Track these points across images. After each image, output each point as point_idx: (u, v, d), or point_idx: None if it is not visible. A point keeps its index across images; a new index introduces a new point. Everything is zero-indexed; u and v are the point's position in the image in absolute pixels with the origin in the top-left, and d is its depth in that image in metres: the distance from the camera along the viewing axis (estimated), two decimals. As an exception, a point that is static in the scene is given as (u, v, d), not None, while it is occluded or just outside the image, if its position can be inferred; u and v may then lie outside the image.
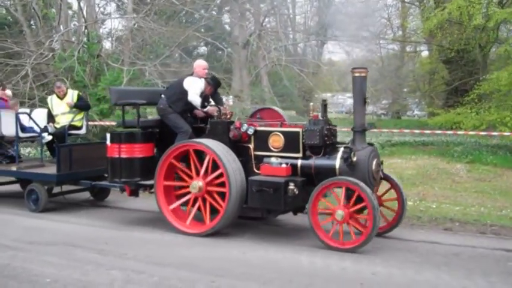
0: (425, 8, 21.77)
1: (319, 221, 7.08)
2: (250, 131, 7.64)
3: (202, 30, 21.78)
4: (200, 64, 9.09)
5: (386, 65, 35.79)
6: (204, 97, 8.80)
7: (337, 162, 7.23)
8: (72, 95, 10.61)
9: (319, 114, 7.52)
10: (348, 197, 6.93)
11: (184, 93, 8.48)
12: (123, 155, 8.25)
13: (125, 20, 20.05)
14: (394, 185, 7.74)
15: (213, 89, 8.92)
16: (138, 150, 8.29)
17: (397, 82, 32.08)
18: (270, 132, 7.60)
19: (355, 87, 7.43)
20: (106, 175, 9.32)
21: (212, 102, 8.90)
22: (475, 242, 7.47)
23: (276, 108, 8.85)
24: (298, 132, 7.44)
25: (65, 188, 10.05)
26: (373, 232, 6.73)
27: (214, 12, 23.88)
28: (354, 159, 7.10)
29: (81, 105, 10.66)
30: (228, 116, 8.14)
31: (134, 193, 8.54)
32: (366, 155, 7.20)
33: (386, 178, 7.76)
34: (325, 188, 7.01)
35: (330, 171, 7.23)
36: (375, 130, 19.17)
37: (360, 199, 6.82)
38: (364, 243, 6.80)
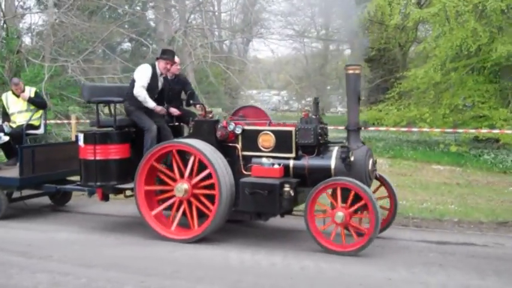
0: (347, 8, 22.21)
1: (317, 224, 6.73)
2: (238, 130, 7.20)
3: (127, 26, 21.36)
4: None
5: (311, 63, 36.38)
6: (173, 94, 8.52)
7: (333, 162, 6.90)
8: (30, 92, 9.81)
9: (310, 113, 7.19)
10: (343, 198, 6.64)
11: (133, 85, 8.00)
12: (99, 157, 7.66)
13: (46, 14, 19.46)
14: (384, 183, 7.48)
15: (182, 84, 8.67)
16: (114, 152, 7.72)
17: (321, 80, 32.69)
18: (260, 131, 7.18)
19: (348, 84, 7.16)
20: (68, 178, 8.94)
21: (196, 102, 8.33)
22: (398, 234, 7.70)
23: (259, 106, 8.51)
24: (290, 132, 7.03)
25: (25, 192, 9.31)
26: (375, 233, 6.46)
27: (138, 8, 23.56)
28: (352, 158, 6.82)
29: (37, 102, 9.82)
30: (210, 116, 7.60)
31: (105, 197, 7.97)
32: (363, 155, 6.94)
33: (377, 176, 7.48)
34: (324, 189, 6.68)
35: (324, 172, 6.89)
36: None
37: (355, 199, 6.57)
38: (367, 245, 6.50)
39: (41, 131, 9.97)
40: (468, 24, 15.17)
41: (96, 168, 7.70)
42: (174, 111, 8.54)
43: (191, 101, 8.27)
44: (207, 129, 7.39)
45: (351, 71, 7.15)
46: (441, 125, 15.39)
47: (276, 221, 7.85)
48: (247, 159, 7.23)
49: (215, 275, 5.95)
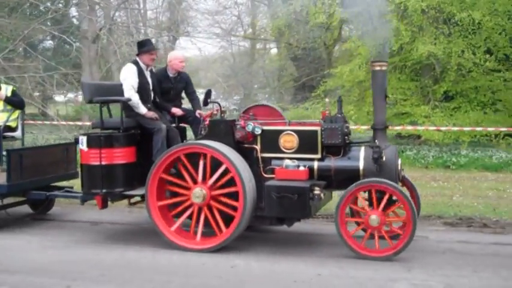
0: (273, 6, 22.49)
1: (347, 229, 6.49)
2: (258, 131, 6.80)
3: (49, 23, 20.73)
4: (176, 56, 8.23)
5: (238, 62, 36.43)
6: (175, 93, 8.22)
7: (361, 163, 6.62)
8: (6, 91, 8.94)
9: (328, 112, 6.87)
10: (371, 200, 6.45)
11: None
12: (105, 162, 7.07)
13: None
14: (406, 184, 7.27)
15: (184, 82, 8.30)
16: (121, 156, 7.16)
17: (248, 78, 32.78)
18: (281, 131, 6.80)
19: (375, 81, 6.88)
20: (54, 184, 8.45)
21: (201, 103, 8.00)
22: (325, 229, 7.79)
23: (272, 105, 8.05)
24: (316, 131, 6.66)
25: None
26: (412, 236, 6.25)
27: (61, 5, 22.89)
28: (383, 159, 6.54)
29: (15, 102, 8.95)
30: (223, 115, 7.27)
31: (105, 205, 7.36)
32: (393, 154, 6.68)
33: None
34: (357, 191, 6.39)
35: (352, 173, 6.61)
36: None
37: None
38: (403, 249, 6.29)
39: (18, 133, 9.16)
40: (391, 24, 15.57)
41: (102, 174, 7.10)
42: (177, 111, 8.12)
43: (209, 100, 7.41)
44: (224, 130, 6.92)
45: (377, 68, 6.83)
46: (366, 122, 15.74)
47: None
48: (267, 161, 6.86)
49: (143, 276, 5.88)
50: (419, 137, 16.45)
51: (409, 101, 16.43)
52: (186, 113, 8.14)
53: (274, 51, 33.44)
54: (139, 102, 7.49)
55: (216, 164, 6.71)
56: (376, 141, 6.72)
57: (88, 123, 16.98)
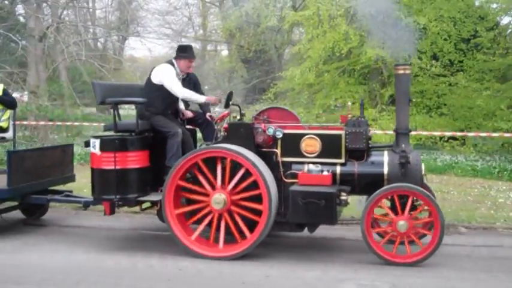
0: (224, 8, 22.51)
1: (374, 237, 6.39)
2: (279, 135, 6.60)
3: (-7, 20, 20.17)
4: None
5: (188, 63, 36.25)
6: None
7: (385, 167, 6.52)
8: None
9: (350, 115, 6.70)
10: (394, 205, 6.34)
11: (157, 89, 7.20)
12: (119, 166, 6.73)
13: None
14: (426, 189, 6.81)
15: (193, 84, 8.04)
16: (136, 160, 6.84)
17: (199, 79, 32.70)
18: (303, 135, 6.63)
19: (399, 85, 6.78)
20: (52, 188, 8.10)
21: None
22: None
23: (285, 108, 7.87)
24: (340, 135, 6.52)
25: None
26: (441, 239, 6.17)
27: (7, 2, 22.28)
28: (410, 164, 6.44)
29: (6, 101, 8.49)
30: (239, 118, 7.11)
31: (113, 211, 6.97)
32: (417, 159, 6.57)
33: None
34: (383, 196, 6.29)
35: (377, 178, 6.51)
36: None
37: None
38: (431, 254, 6.23)
39: (9, 134, 8.70)
40: (340, 28, 15.79)
41: (116, 179, 6.74)
42: (187, 113, 7.84)
43: (230, 102, 7.07)
44: (244, 134, 6.69)
45: (401, 71, 6.72)
46: (315, 124, 15.89)
47: (154, 223, 7.75)
48: (287, 166, 6.69)
49: (90, 279, 5.79)
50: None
51: (357, 104, 16.65)
52: (196, 115, 7.85)
53: (225, 53, 33.49)
54: (192, 92, 7.33)
55: (235, 168, 6.52)
56: (403, 145, 6.62)
57: (33, 123, 16.63)
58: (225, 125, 6.92)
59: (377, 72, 17.54)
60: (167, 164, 6.90)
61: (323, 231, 7.29)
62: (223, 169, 6.59)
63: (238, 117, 7.07)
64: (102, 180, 6.87)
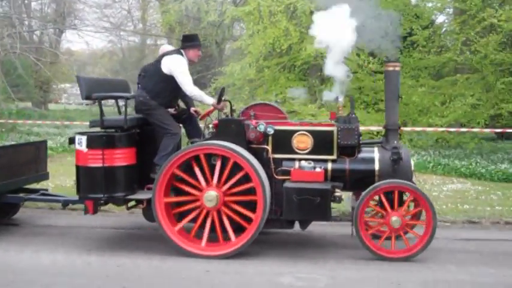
0: (164, 2, 22.26)
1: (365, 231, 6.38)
2: (270, 131, 6.50)
3: None
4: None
5: (128, 57, 35.78)
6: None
7: (376, 164, 6.55)
8: None
9: (337, 111, 6.77)
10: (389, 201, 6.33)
11: (166, 79, 6.85)
12: (108, 164, 6.49)
13: None
14: None
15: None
16: (124, 157, 6.58)
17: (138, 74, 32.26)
18: (295, 131, 6.58)
19: (388, 82, 6.83)
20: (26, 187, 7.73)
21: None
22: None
23: (271, 103, 7.62)
24: (332, 132, 6.54)
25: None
26: (432, 238, 6.26)
27: None
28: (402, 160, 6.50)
29: None
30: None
31: (96, 210, 6.75)
32: (408, 155, 6.64)
33: None
34: (376, 192, 6.29)
35: (368, 175, 6.54)
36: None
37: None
38: (422, 250, 6.29)
39: None
40: (280, 24, 15.87)
41: (105, 177, 6.51)
42: (170, 110, 7.37)
43: (223, 98, 6.91)
44: (235, 130, 6.54)
45: (390, 68, 6.81)
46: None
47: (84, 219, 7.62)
48: (278, 163, 6.59)
49: (26, 278, 5.64)
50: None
51: (297, 100, 16.80)
52: (180, 111, 7.49)
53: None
54: (202, 92, 7.02)
55: (226, 165, 6.39)
56: (394, 142, 6.68)
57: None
58: (215, 121, 6.75)
59: (316, 68, 17.73)
60: (156, 162, 6.72)
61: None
62: (222, 167, 6.42)
63: (227, 113, 6.94)
64: (88, 179, 6.62)
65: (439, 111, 15.11)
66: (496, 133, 18.78)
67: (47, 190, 7.99)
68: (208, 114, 7.07)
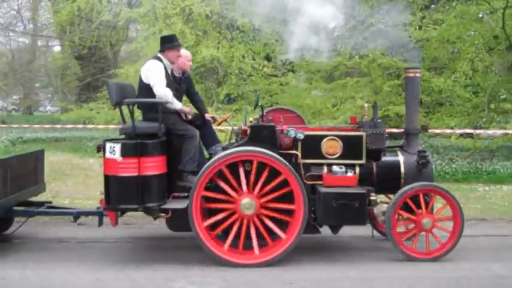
0: (55, 1, 21.54)
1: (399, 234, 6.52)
2: (300, 136, 6.44)
3: None
4: (185, 54, 7.15)
5: (17, 59, 34.27)
6: (179, 94, 7.07)
7: (402, 167, 6.77)
8: None
9: (362, 117, 6.89)
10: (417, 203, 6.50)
11: (146, 87, 6.65)
12: (145, 173, 6.19)
13: None
14: None
15: (188, 83, 7.29)
16: (159, 165, 6.33)
17: (28, 76, 31.00)
18: (324, 136, 6.55)
19: (409, 88, 7.09)
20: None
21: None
22: (108, 233, 7.62)
23: (289, 108, 7.62)
24: (361, 136, 6.56)
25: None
26: (460, 236, 6.47)
27: None
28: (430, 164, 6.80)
29: None
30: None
31: (117, 221, 6.50)
32: (430, 159, 6.89)
33: None
34: (409, 195, 6.43)
35: (394, 178, 6.75)
36: (4, 125, 18.20)
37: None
38: (451, 249, 6.49)
39: None
40: (176, 27, 15.78)
41: (141, 187, 6.19)
42: (188, 110, 7.12)
43: (259, 103, 6.96)
44: (267, 136, 6.47)
45: (411, 74, 7.02)
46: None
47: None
48: (307, 168, 6.52)
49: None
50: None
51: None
52: (194, 117, 7.22)
53: (57, 49, 32.09)
54: (173, 98, 6.72)
55: (261, 171, 6.28)
56: (420, 146, 7.00)
57: None
58: (244, 127, 6.75)
59: (213, 71, 17.79)
60: (182, 169, 6.58)
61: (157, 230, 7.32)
62: (247, 173, 6.35)
63: (258, 118, 6.86)
64: (122, 189, 6.28)
65: (331, 113, 15.57)
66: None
67: (51, 203, 7.54)
68: (225, 120, 7.20)
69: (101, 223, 6.76)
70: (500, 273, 6.13)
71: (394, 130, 13.01)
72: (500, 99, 15.35)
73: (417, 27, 15.45)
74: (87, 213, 7.08)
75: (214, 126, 7.45)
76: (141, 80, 6.79)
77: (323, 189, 6.32)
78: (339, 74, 18.03)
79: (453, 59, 15.58)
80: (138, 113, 6.93)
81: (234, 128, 7.28)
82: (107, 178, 6.33)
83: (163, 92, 6.59)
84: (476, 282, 5.86)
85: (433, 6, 17.59)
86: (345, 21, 19.37)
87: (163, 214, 6.52)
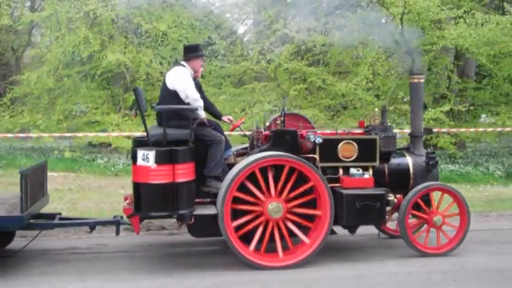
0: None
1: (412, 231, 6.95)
2: (319, 140, 6.58)
3: None
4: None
5: None
6: None
7: (411, 168, 7.15)
8: None
9: (373, 120, 7.29)
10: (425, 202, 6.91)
11: (174, 94, 6.67)
12: (180, 179, 6.21)
13: None
14: None
15: (199, 89, 7.05)
16: (190, 172, 6.36)
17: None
18: (340, 140, 6.80)
19: (414, 93, 7.49)
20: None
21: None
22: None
23: (298, 113, 7.89)
24: (375, 140, 6.90)
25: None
26: (467, 232, 6.90)
27: None
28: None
29: None
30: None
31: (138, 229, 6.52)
32: (438, 160, 7.40)
33: None
34: (421, 194, 6.81)
35: (404, 178, 7.13)
36: None
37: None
38: (458, 245, 6.91)
39: None
40: (80, 31, 15.42)
41: (175, 194, 6.19)
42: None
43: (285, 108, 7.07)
44: (290, 140, 6.66)
45: (416, 80, 7.42)
46: (55, 131, 15.28)
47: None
48: (324, 171, 6.71)
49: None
50: (110, 144, 16.54)
51: (100, 110, 16.43)
52: (208, 122, 7.15)
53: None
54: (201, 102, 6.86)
55: (290, 176, 6.45)
56: (428, 149, 7.49)
57: None
58: (266, 132, 6.93)
59: (120, 77, 17.50)
60: (208, 174, 6.64)
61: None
62: (276, 177, 6.49)
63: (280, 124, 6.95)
64: (155, 196, 6.26)
65: (239, 117, 15.64)
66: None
67: (60, 214, 7.30)
68: (238, 125, 7.35)
69: (117, 232, 6.72)
70: None
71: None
72: (404, 101, 15.96)
73: (321, 32, 15.83)
74: (104, 223, 7.09)
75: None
76: (165, 87, 6.84)
77: (346, 192, 6.62)
78: (247, 78, 18.21)
79: (356, 63, 16.05)
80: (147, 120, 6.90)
81: (247, 133, 7.69)
82: (137, 185, 6.33)
83: (197, 96, 6.72)
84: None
85: (337, 11, 18.03)
86: (253, 26, 19.69)
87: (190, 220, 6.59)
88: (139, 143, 6.65)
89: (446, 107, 13.10)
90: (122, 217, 6.78)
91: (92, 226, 6.88)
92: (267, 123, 7.38)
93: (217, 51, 17.56)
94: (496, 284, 6.04)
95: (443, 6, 13.03)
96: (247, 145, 7.41)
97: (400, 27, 13.59)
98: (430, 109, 13.21)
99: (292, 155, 6.48)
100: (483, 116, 19.51)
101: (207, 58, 17.88)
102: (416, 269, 6.43)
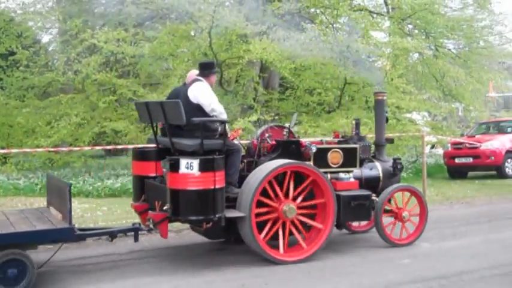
0: None
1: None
2: (314, 149, 7.54)
3: None
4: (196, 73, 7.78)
5: None
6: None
7: (380, 172, 8.29)
8: None
9: (344, 132, 8.74)
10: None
11: (198, 108, 7.18)
12: (218, 185, 6.72)
13: None
14: None
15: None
16: (222, 179, 6.84)
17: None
18: (330, 149, 7.83)
19: (378, 108, 8.80)
20: None
21: None
22: None
23: (283, 125, 8.64)
24: (356, 148, 8.01)
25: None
26: (424, 227, 8.12)
27: None
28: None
29: None
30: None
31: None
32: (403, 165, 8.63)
33: None
34: (393, 194, 7.97)
35: (375, 181, 8.23)
36: None
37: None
38: (419, 237, 8.10)
39: None
40: None
41: (217, 199, 6.73)
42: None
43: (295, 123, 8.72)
44: (295, 149, 7.63)
45: (380, 97, 8.73)
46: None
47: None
48: None
49: None
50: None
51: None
52: None
53: None
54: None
55: (299, 181, 7.32)
56: (394, 155, 8.85)
57: None
58: (273, 142, 7.73)
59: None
60: (228, 180, 7.04)
61: None
62: (289, 182, 7.26)
63: (286, 134, 8.02)
64: (196, 201, 6.72)
65: (45, 131, 14.85)
66: (105, 150, 19.31)
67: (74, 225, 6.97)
68: (238, 135, 8.04)
69: (136, 239, 7.06)
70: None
71: (116, 146, 12.87)
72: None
73: (131, 43, 15.62)
74: (124, 231, 7.25)
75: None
76: (189, 102, 7.18)
77: (343, 193, 7.57)
78: (53, 90, 17.40)
79: (167, 75, 16.04)
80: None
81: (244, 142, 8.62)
82: (176, 192, 6.70)
83: (223, 110, 7.36)
84: None
85: (147, 23, 17.94)
86: (58, 36, 18.80)
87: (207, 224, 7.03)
88: (165, 152, 7.18)
89: (254, 117, 13.54)
90: (139, 224, 7.31)
91: (114, 235, 7.06)
92: (258, 134, 8.07)
93: (19, 61, 16.50)
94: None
95: (248, 22, 13.50)
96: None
97: (208, 39, 13.96)
98: (238, 119, 13.58)
99: (308, 164, 7.45)
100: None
101: (7, 69, 16.80)
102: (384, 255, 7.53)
